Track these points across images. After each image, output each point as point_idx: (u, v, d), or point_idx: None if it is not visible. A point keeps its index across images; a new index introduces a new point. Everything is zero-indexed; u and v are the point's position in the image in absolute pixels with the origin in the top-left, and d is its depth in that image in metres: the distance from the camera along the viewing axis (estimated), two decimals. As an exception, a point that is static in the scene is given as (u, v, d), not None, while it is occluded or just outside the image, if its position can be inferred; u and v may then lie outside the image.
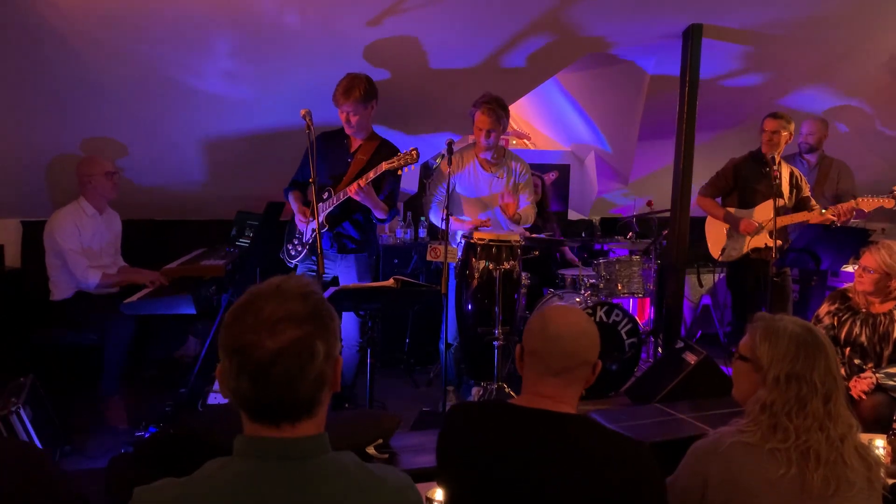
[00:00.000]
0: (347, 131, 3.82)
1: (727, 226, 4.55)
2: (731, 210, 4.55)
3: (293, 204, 3.91)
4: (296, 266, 3.95)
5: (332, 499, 1.17)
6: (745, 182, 4.51)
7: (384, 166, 3.58)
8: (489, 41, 4.14)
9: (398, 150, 3.81)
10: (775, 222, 4.07)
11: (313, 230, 3.77)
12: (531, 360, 1.73)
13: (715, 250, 4.63)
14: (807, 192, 4.54)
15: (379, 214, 3.81)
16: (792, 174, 4.53)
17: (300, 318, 1.16)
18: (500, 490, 1.60)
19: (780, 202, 4.39)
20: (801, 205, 4.47)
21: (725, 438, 1.77)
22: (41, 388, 3.35)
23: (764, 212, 4.33)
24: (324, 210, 3.76)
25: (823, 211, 4.31)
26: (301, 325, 1.16)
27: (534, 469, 1.58)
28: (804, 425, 1.72)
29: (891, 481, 2.22)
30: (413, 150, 3.57)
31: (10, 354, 3.90)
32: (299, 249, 3.90)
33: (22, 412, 2.97)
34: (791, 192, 4.49)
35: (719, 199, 4.65)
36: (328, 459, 1.21)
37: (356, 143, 3.87)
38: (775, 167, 4.13)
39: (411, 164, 3.58)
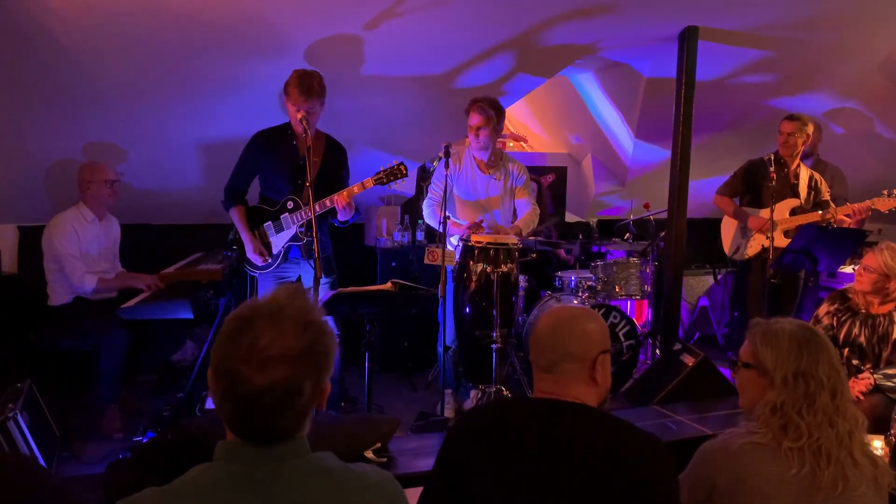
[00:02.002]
0: (298, 130, 3.53)
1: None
2: (744, 208, 4.58)
3: (239, 227, 3.72)
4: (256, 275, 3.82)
5: (313, 498, 1.18)
6: (756, 182, 4.53)
7: (370, 183, 3.50)
8: (482, 44, 4.15)
9: (341, 147, 3.77)
10: (772, 224, 4.08)
11: (285, 241, 3.67)
12: (532, 363, 1.75)
13: (727, 248, 4.66)
14: (826, 195, 4.54)
15: (346, 217, 3.68)
16: (811, 177, 4.55)
17: (294, 356, 1.16)
18: (502, 478, 1.57)
19: (796, 203, 4.42)
20: (819, 208, 4.47)
21: (736, 440, 1.76)
22: (38, 393, 3.34)
23: (776, 212, 4.30)
24: (299, 220, 3.62)
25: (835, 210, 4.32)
26: (294, 364, 1.16)
27: (530, 457, 1.56)
28: (815, 421, 1.73)
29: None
30: (401, 164, 3.50)
31: (7, 360, 3.89)
32: (269, 262, 3.72)
33: (19, 418, 2.96)
34: (809, 194, 4.51)
35: (737, 200, 4.68)
36: (308, 460, 1.22)
37: (304, 143, 3.53)
38: (772, 169, 4.14)
39: (401, 178, 3.50)
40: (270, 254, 3.73)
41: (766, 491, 1.69)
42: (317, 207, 3.45)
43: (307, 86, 3.47)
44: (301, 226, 3.64)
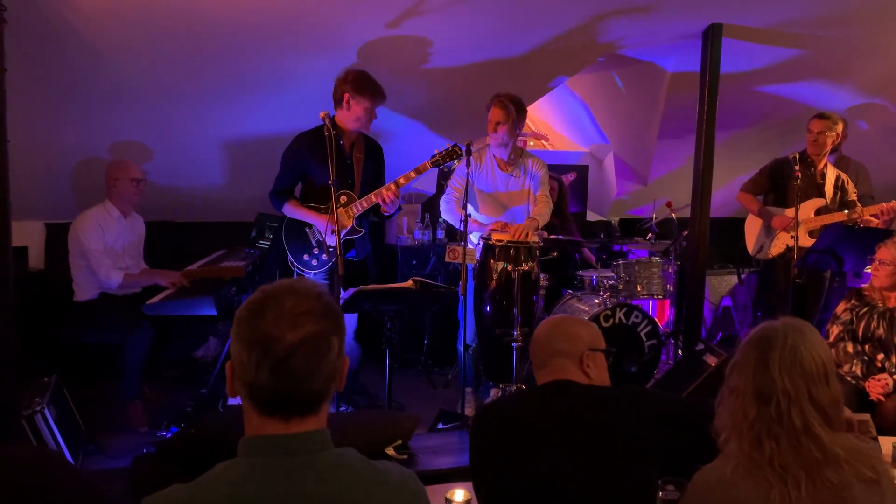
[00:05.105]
0: (354, 127, 3.69)
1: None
2: (769, 207, 4.53)
3: (302, 213, 3.73)
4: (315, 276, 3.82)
5: (337, 493, 1.19)
6: (782, 181, 4.48)
7: (427, 165, 3.58)
8: (506, 43, 4.14)
9: (378, 144, 3.87)
10: (797, 223, 4.03)
11: (340, 235, 3.70)
12: (531, 363, 2.00)
13: (751, 247, 4.61)
14: (853, 196, 4.47)
15: (393, 210, 3.78)
16: (838, 177, 4.48)
17: (318, 313, 1.22)
18: (533, 453, 1.78)
19: (822, 202, 4.37)
20: (846, 208, 4.40)
21: (726, 465, 1.58)
22: (64, 387, 3.40)
23: (801, 211, 4.24)
24: (354, 212, 3.70)
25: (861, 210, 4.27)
26: (319, 319, 1.21)
27: (547, 433, 1.79)
28: (753, 432, 1.55)
29: None
30: (455, 146, 3.59)
31: (33, 354, 3.95)
32: (324, 259, 3.74)
33: (46, 412, 3.02)
34: (835, 194, 4.44)
35: (762, 198, 4.63)
36: (331, 455, 1.23)
37: (349, 141, 3.74)
38: (797, 168, 4.09)
39: (456, 159, 3.60)
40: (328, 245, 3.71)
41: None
42: (363, 203, 3.66)
43: (374, 86, 3.60)
44: (357, 218, 3.71)
